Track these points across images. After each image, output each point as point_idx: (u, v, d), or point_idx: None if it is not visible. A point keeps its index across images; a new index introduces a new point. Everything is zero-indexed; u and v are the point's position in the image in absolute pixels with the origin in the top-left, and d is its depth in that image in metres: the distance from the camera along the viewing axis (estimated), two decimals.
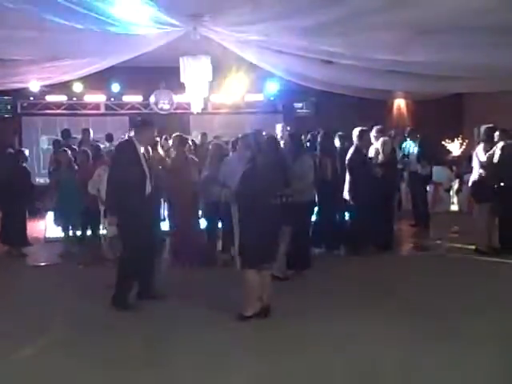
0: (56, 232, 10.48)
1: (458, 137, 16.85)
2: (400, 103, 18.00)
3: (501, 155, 8.68)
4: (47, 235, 10.77)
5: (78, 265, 8.68)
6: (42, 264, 9.09)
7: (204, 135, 12.17)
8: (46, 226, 11.15)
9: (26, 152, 10.32)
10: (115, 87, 15.39)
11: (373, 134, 9.49)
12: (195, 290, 7.09)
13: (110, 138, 12.39)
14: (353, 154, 8.91)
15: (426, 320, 5.83)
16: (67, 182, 9.29)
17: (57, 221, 9.87)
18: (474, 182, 9.13)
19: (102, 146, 10.58)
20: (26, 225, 9.82)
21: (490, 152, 8.82)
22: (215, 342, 5.35)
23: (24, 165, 9.85)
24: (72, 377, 4.71)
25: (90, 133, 12.05)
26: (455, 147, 16.80)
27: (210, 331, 5.64)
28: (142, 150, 6.41)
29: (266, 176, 5.89)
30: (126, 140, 6.69)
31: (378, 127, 9.69)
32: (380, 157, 9.25)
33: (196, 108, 11.58)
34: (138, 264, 6.39)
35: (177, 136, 8.78)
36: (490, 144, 8.95)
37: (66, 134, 11.96)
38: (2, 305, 6.70)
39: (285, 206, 7.02)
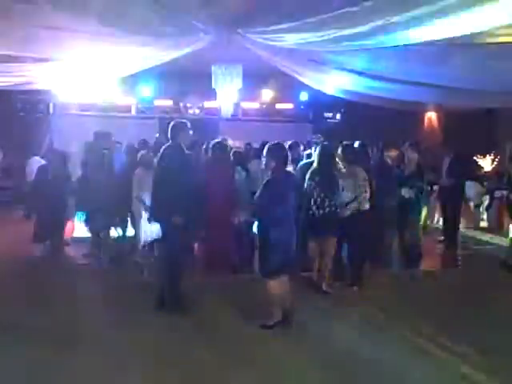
0: (84, 232, 10.59)
1: (489, 152, 16.61)
2: (431, 116, 17.83)
3: None
4: (75, 235, 10.84)
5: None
6: (76, 263, 9.21)
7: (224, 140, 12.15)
8: (74, 226, 11.22)
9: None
10: (146, 91, 15.52)
11: (405, 147, 9.42)
12: (222, 297, 7.08)
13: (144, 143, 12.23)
14: (379, 167, 8.88)
15: None
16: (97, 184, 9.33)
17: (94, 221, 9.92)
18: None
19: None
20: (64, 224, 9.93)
21: None
22: (238, 352, 5.35)
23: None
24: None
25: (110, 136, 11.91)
26: (487, 163, 16.56)
27: (231, 340, 5.64)
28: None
29: (286, 186, 5.92)
30: (174, 144, 6.62)
31: (410, 142, 9.60)
32: (406, 171, 9.18)
33: (225, 114, 11.61)
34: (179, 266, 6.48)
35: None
36: None
37: (100, 136, 11.84)
38: (36, 303, 6.80)
39: (330, 217, 7.13)
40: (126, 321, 6.19)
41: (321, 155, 7.41)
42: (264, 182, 6.00)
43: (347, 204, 7.42)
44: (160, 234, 6.91)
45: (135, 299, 6.91)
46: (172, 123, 6.64)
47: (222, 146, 8.49)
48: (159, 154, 6.63)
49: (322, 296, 7.21)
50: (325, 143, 8.07)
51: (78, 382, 4.76)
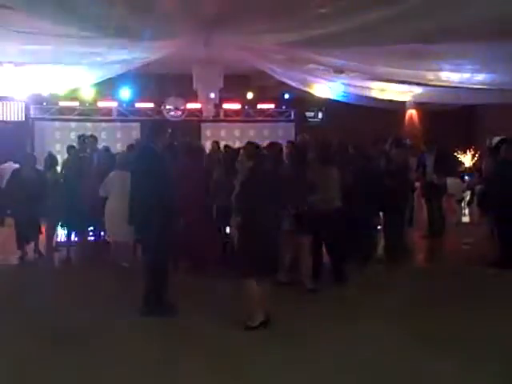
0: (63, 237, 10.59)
1: (469, 148, 16.77)
2: (412, 113, 17.94)
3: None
4: (58, 239, 10.77)
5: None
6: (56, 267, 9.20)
7: (215, 143, 12.17)
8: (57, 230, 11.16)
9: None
10: (127, 94, 15.45)
11: (388, 143, 9.49)
12: (204, 297, 7.00)
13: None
14: (365, 164, 8.93)
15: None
16: (74, 186, 9.35)
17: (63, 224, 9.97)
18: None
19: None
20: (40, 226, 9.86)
21: None
22: (222, 354, 5.32)
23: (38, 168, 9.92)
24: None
25: (96, 139, 11.85)
26: (467, 159, 16.71)
27: (216, 342, 5.61)
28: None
29: (265, 186, 5.88)
30: (148, 146, 6.59)
31: (394, 137, 9.67)
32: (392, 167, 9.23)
33: (207, 115, 11.61)
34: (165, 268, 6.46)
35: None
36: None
37: (81, 139, 11.79)
38: (14, 309, 6.71)
39: (302, 216, 7.15)
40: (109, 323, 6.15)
41: (292, 155, 7.64)
42: (241, 182, 5.94)
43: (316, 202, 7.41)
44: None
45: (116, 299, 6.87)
46: (149, 125, 6.64)
47: (192, 148, 8.55)
48: (134, 157, 6.62)
49: (311, 296, 7.17)
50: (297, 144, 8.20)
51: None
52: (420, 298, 7.13)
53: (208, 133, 15.38)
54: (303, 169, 7.43)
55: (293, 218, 7.28)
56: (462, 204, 14.00)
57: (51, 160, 10.13)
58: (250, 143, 6.39)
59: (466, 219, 13.87)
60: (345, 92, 13.39)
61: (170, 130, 6.70)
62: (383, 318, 6.23)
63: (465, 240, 11.00)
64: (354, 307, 6.71)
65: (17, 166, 10.98)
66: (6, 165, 13.14)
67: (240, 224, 5.87)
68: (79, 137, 11.08)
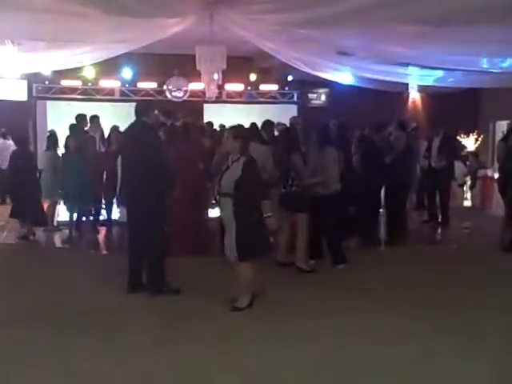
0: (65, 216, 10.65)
1: (473, 132, 16.72)
2: (415, 96, 17.87)
3: None
4: (59, 219, 10.81)
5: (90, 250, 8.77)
6: (53, 247, 9.21)
7: (208, 124, 12.22)
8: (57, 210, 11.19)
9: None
10: (129, 73, 15.36)
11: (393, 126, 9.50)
12: (195, 281, 6.96)
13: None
14: (367, 147, 8.95)
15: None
16: (77, 167, 9.36)
17: (66, 205, 10.02)
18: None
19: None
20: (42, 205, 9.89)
21: None
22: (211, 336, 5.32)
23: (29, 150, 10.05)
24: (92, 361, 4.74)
25: (99, 119, 11.83)
26: (470, 142, 16.67)
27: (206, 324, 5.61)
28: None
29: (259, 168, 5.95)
30: (140, 122, 6.59)
31: (398, 120, 9.66)
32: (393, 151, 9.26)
33: (210, 96, 11.54)
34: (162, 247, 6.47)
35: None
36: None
37: (80, 118, 11.79)
38: (12, 289, 6.77)
39: (298, 195, 7.22)
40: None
41: (285, 137, 7.81)
42: (243, 165, 5.84)
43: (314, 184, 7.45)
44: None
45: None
46: (137, 103, 6.67)
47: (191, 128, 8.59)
48: (124, 133, 6.61)
49: (305, 277, 7.24)
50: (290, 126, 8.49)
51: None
52: (418, 281, 7.14)
53: (211, 114, 15.30)
54: (290, 150, 7.47)
55: (279, 197, 7.44)
56: (464, 188, 14.00)
57: (53, 139, 10.18)
58: (237, 125, 6.40)
59: (467, 203, 13.89)
60: (350, 74, 13.31)
61: (155, 111, 6.71)
62: (377, 300, 6.28)
63: (465, 224, 11.04)
64: (347, 289, 6.73)
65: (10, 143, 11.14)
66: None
67: (238, 207, 5.82)
68: (78, 115, 11.08)
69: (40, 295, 6.48)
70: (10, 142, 13.06)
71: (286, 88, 16.76)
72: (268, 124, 9.39)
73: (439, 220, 11.06)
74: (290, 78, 16.25)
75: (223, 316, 5.80)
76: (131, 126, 6.55)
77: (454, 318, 5.72)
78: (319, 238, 7.78)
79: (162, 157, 6.39)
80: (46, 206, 10.08)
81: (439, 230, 10.90)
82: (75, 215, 9.86)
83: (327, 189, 7.44)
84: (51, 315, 5.80)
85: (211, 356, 4.83)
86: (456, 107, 15.99)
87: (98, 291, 6.61)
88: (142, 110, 6.52)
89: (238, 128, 6.24)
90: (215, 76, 10.06)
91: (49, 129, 14.38)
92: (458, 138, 16.16)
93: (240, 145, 5.88)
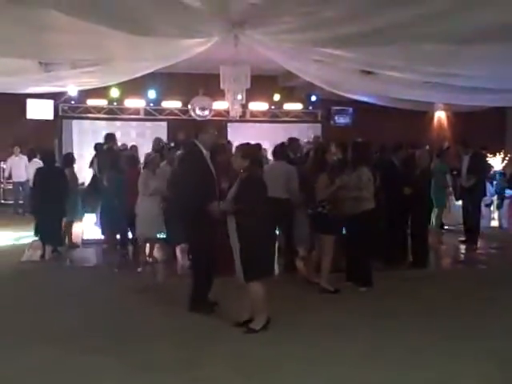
0: (93, 234, 10.70)
1: (499, 151, 16.50)
2: (441, 115, 17.74)
3: None
4: (85, 237, 10.87)
5: (115, 268, 8.76)
6: (79, 266, 9.23)
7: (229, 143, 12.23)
8: (83, 228, 11.26)
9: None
10: (152, 93, 15.48)
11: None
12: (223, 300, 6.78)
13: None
14: (387, 167, 8.88)
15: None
16: (115, 185, 9.37)
17: (102, 223, 10.02)
18: None
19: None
20: (61, 225, 9.92)
21: None
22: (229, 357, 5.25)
23: (59, 166, 10.10)
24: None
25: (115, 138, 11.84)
26: (497, 161, 16.45)
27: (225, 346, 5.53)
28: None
29: (263, 186, 5.86)
30: (193, 143, 6.70)
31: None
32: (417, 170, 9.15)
33: (234, 115, 11.57)
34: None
35: None
36: None
37: (109, 138, 11.86)
38: (35, 307, 6.77)
39: (323, 216, 7.16)
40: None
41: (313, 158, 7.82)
42: (238, 183, 5.84)
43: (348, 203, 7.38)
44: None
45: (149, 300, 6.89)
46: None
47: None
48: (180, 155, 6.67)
49: (324, 297, 7.15)
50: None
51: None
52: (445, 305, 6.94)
53: (234, 133, 15.35)
54: (321, 169, 7.44)
55: (310, 218, 7.42)
56: (491, 208, 13.78)
57: (70, 159, 10.33)
58: (246, 144, 6.36)
59: (494, 223, 13.66)
60: (372, 93, 13.26)
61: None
62: (403, 321, 6.14)
63: (492, 245, 10.84)
64: (371, 311, 6.59)
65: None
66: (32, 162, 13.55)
67: (239, 227, 5.74)
68: (109, 134, 11.20)
69: (65, 314, 6.46)
70: (37, 159, 13.32)
71: (310, 107, 16.75)
72: (294, 141, 9.36)
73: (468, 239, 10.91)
74: (313, 97, 16.25)
75: (243, 338, 5.69)
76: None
77: (486, 341, 5.56)
78: (363, 260, 7.63)
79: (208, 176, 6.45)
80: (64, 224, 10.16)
81: (466, 250, 10.71)
82: (109, 232, 9.87)
83: (359, 208, 7.38)
84: (78, 334, 5.77)
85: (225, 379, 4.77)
86: (482, 126, 15.83)
87: (122, 309, 6.60)
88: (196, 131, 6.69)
89: (247, 146, 6.22)
90: (239, 96, 10.08)
91: (74, 148, 14.64)
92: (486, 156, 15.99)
93: (248, 163, 5.85)
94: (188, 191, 6.33)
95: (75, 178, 10.41)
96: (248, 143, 6.38)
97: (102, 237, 10.23)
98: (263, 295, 5.80)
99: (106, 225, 9.91)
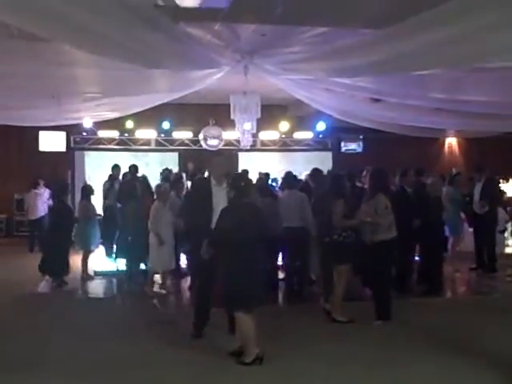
0: (105, 266, 10.72)
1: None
2: (452, 141, 17.72)
3: None
4: (96, 269, 10.86)
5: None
6: (90, 297, 9.22)
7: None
8: (97, 259, 11.25)
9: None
10: (165, 124, 15.58)
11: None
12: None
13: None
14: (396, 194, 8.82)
15: None
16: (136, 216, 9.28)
17: (121, 254, 9.85)
18: None
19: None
20: (68, 258, 9.92)
21: None
22: None
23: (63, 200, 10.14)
24: None
25: (137, 169, 11.96)
26: (510, 187, 16.35)
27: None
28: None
29: (243, 216, 5.71)
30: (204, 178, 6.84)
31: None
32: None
33: (244, 145, 11.62)
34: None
35: None
36: None
37: (133, 169, 11.93)
38: (42, 338, 6.72)
39: (337, 245, 7.07)
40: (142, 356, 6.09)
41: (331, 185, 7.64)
42: (220, 212, 5.85)
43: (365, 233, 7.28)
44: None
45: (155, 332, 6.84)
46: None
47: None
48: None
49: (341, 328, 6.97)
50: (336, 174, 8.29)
51: None
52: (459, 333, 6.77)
53: (245, 162, 15.40)
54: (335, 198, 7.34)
55: (325, 247, 7.31)
56: (506, 234, 13.64)
57: (86, 190, 10.41)
58: (237, 174, 6.45)
59: (509, 250, 13.51)
60: (382, 120, 13.28)
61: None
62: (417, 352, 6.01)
63: (508, 272, 10.70)
64: (384, 343, 6.39)
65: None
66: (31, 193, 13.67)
67: (219, 257, 5.74)
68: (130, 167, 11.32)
69: (74, 345, 6.42)
70: (42, 191, 13.48)
71: (320, 135, 16.78)
72: (316, 172, 9.43)
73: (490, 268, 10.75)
74: (323, 125, 16.25)
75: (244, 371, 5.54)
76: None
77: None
78: (380, 292, 7.34)
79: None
80: (80, 256, 10.19)
81: (481, 278, 10.56)
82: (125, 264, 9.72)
83: (376, 237, 7.18)
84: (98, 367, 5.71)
85: None
86: (494, 152, 15.79)
87: (133, 342, 6.53)
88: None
89: (234, 176, 6.30)
90: (249, 126, 10.15)
91: (87, 178, 14.71)
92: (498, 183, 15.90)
93: (233, 192, 5.90)
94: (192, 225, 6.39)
95: (93, 209, 10.49)
96: (239, 173, 6.44)
97: (115, 267, 10.20)
98: (251, 326, 5.61)
99: (122, 255, 9.80)
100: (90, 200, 10.45)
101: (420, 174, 9.92)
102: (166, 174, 11.76)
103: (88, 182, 12.48)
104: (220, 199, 6.36)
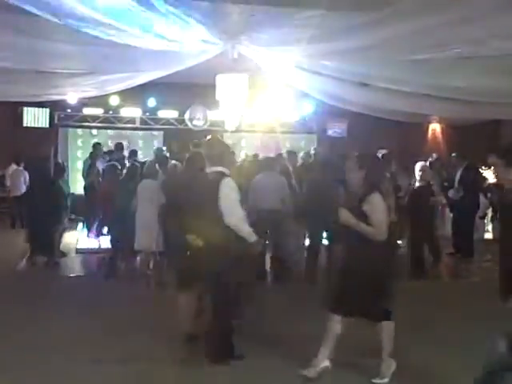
0: (87, 243, 10.70)
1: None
2: (435, 128, 17.81)
3: None
4: (78, 246, 10.85)
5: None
6: (72, 275, 9.18)
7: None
8: (77, 238, 11.25)
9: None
10: (151, 102, 15.48)
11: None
12: None
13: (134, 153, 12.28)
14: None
15: None
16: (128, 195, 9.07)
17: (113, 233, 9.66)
18: None
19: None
20: (55, 236, 9.87)
21: None
22: None
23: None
24: None
25: (123, 147, 11.93)
26: (491, 174, 16.50)
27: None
28: None
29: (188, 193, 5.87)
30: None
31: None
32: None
33: (230, 126, 11.58)
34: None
35: None
36: None
37: (118, 147, 11.78)
38: (27, 315, 6.72)
39: None
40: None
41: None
42: None
43: None
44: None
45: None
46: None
47: None
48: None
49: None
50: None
51: None
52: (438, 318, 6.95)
53: (230, 144, 15.35)
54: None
55: None
56: (485, 220, 13.80)
57: (59, 168, 10.31)
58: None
59: (488, 236, 13.68)
60: (369, 105, 13.29)
61: None
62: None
63: (486, 257, 10.85)
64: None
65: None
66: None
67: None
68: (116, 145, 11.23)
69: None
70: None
71: (306, 118, 16.78)
72: (291, 154, 9.45)
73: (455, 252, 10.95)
74: (310, 108, 16.26)
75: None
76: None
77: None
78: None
79: None
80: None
81: (460, 263, 10.72)
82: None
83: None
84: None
85: None
86: (477, 139, 15.89)
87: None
88: None
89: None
90: (235, 106, 10.11)
91: (70, 156, 14.61)
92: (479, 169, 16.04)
93: None
94: None
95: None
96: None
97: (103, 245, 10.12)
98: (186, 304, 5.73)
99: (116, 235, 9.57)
100: (63, 178, 10.35)
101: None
102: (159, 153, 11.62)
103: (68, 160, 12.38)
104: None
